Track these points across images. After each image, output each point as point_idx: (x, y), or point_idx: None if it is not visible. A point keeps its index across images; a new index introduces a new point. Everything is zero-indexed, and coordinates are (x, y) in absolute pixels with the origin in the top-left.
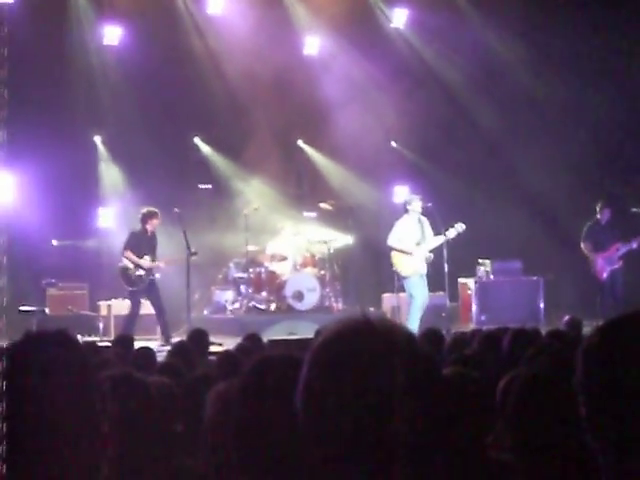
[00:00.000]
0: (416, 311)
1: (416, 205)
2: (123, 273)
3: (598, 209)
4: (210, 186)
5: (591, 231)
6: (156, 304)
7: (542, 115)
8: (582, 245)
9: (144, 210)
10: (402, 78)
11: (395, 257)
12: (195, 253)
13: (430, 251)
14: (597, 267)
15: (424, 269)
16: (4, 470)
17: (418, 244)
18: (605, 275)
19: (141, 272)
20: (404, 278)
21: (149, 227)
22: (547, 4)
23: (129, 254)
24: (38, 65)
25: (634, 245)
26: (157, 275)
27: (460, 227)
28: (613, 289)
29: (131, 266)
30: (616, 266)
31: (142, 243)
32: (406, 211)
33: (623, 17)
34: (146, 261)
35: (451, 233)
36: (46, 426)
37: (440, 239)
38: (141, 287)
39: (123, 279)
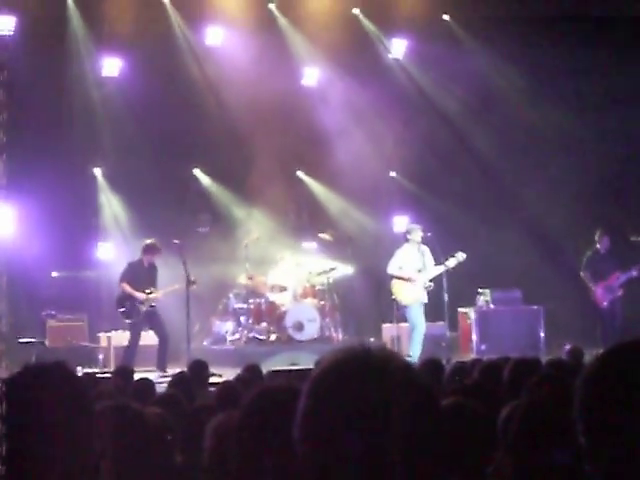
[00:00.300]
0: (418, 339)
1: (416, 235)
2: (119, 305)
3: (597, 238)
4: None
5: (591, 260)
6: (159, 333)
7: (540, 143)
8: (582, 274)
9: (147, 242)
10: (401, 108)
11: (395, 286)
12: (194, 282)
13: (430, 280)
14: (597, 296)
15: (424, 298)
16: None
17: (419, 272)
18: (605, 304)
19: (137, 304)
20: (405, 307)
21: (147, 259)
22: (544, 34)
23: (125, 286)
24: (37, 96)
25: (634, 273)
26: (154, 305)
27: (461, 256)
28: (613, 318)
29: (127, 298)
30: (616, 295)
31: (141, 275)
32: (407, 240)
33: (621, 47)
34: (141, 293)
35: (451, 262)
36: (43, 457)
37: (440, 268)
38: (138, 319)
39: (119, 311)
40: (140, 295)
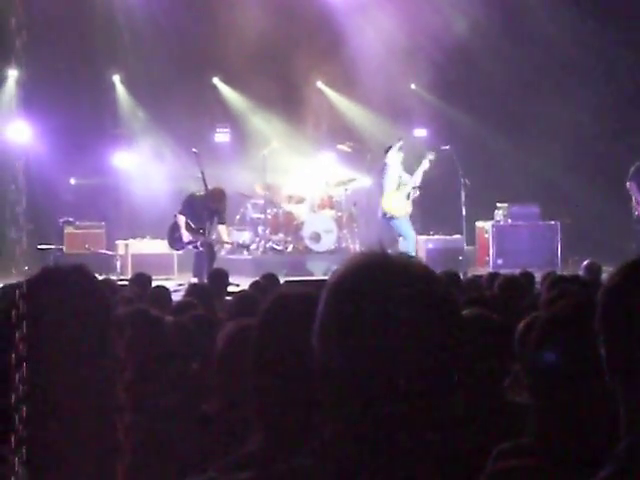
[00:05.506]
0: (412, 250)
1: (392, 154)
2: (169, 234)
3: None
4: (227, 129)
5: (639, 171)
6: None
7: (567, 57)
8: (627, 184)
9: (214, 188)
10: (424, 19)
11: (384, 202)
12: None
13: (414, 188)
14: (639, 210)
15: (410, 208)
16: (23, 401)
17: (398, 187)
18: None
19: (187, 239)
20: (396, 219)
21: (212, 205)
22: None
23: (179, 218)
24: (58, 3)
25: None
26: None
27: (430, 155)
28: None
29: (177, 229)
30: None
31: (198, 211)
32: (385, 164)
33: None
34: (188, 234)
35: (425, 164)
36: (62, 355)
37: (418, 173)
38: (180, 250)
39: (168, 237)
40: (187, 237)
